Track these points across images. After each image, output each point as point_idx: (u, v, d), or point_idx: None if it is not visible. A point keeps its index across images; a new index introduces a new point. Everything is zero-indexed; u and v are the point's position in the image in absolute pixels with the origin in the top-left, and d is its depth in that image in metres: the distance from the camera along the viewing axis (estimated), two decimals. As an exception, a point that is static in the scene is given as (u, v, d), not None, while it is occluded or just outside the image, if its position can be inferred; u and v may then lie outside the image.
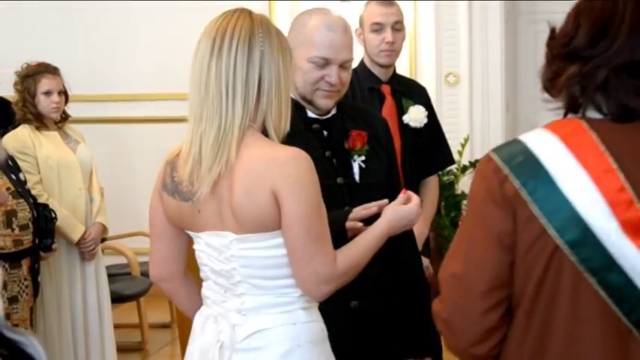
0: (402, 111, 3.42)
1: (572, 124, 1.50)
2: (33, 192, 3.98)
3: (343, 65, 2.39)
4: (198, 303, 2.11)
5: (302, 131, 2.37)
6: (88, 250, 4.25)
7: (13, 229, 3.75)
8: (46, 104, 4.18)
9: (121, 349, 4.77)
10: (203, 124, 1.92)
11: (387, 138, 2.58)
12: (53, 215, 3.95)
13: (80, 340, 4.25)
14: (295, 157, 1.90)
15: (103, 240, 4.47)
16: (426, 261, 3.15)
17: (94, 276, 4.33)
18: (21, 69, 4.25)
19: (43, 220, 3.88)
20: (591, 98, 1.49)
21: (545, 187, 1.45)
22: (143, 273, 5.29)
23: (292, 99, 2.13)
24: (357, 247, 2.03)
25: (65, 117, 4.34)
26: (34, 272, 3.86)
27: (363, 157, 2.45)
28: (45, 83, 4.18)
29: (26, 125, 4.18)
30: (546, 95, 1.56)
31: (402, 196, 2.19)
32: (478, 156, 5.74)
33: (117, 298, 4.85)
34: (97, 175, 4.43)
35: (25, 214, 3.79)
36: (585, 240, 1.42)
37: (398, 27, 3.39)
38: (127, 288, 5.20)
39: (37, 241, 3.86)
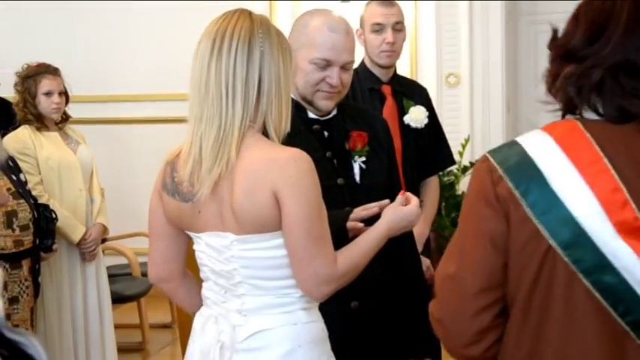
0: (402, 111, 3.41)
1: (567, 125, 1.50)
2: (33, 193, 3.98)
3: (344, 67, 2.38)
4: (198, 303, 2.11)
5: (302, 132, 2.37)
6: (88, 250, 4.25)
7: (13, 230, 3.74)
8: (46, 105, 4.18)
9: (122, 350, 4.77)
10: (203, 125, 1.92)
11: (387, 139, 2.58)
12: (54, 216, 3.95)
13: (81, 341, 4.24)
14: (296, 158, 1.90)
15: (104, 240, 4.47)
16: (426, 261, 3.15)
17: (94, 276, 4.33)
18: (21, 70, 4.25)
19: (44, 221, 3.88)
20: (587, 99, 1.49)
21: (539, 188, 1.45)
22: (144, 273, 5.28)
23: (293, 99, 2.12)
24: (357, 248, 2.03)
25: (66, 118, 4.34)
26: (35, 273, 3.85)
27: (363, 158, 2.45)
28: (45, 84, 4.18)
29: (27, 126, 4.18)
30: (546, 96, 1.56)
31: (400, 197, 2.18)
32: (479, 156, 5.71)
33: (117, 299, 4.85)
34: (97, 176, 4.43)
35: (25, 214, 3.79)
36: (579, 241, 1.42)
37: (398, 27, 3.39)
38: (128, 288, 5.20)
39: (37, 242, 3.86)
